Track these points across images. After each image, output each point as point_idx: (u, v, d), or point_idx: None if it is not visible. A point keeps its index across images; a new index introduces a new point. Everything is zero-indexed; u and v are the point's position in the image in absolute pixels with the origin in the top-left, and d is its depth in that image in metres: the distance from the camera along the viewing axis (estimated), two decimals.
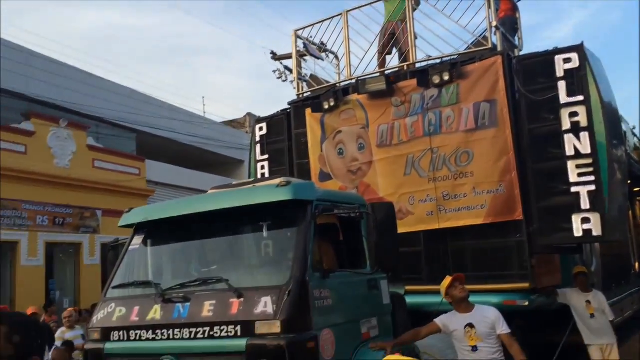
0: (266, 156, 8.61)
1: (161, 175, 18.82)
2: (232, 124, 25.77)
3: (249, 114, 25.72)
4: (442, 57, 7.31)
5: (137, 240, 5.12)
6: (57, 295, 14.16)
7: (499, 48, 6.83)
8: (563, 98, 6.16)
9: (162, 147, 20.12)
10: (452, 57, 7.14)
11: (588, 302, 6.54)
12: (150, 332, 4.26)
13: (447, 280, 4.68)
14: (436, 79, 6.84)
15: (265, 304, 3.91)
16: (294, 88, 8.90)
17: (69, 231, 14.53)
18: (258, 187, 4.75)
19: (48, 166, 14.14)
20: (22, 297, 12.63)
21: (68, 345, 7.24)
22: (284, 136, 8.44)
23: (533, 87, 6.37)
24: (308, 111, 8.12)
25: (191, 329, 4.09)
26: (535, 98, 6.32)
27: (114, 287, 4.83)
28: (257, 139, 8.72)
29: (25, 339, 1.52)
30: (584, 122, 6.03)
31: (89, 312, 9.41)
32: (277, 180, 4.70)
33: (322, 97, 7.84)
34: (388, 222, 4.54)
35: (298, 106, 8.35)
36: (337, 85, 8.29)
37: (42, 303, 11.72)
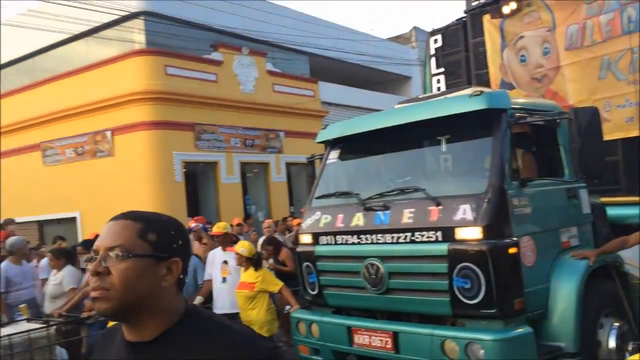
0: (442, 69, 8.44)
1: (333, 95, 19.43)
2: (398, 39, 25.33)
3: (415, 28, 25.04)
4: None
5: (334, 154, 5.51)
6: (253, 209, 15.79)
7: None
8: None
9: (331, 68, 20.62)
10: None
11: None
12: (355, 236, 4.67)
13: None
14: None
15: (465, 211, 4.06)
16: None
17: (257, 151, 15.91)
18: (451, 98, 4.77)
19: (235, 92, 15.39)
20: (225, 211, 14.33)
21: None
22: (460, 47, 8.18)
23: None
24: (486, 18, 7.75)
25: (393, 234, 4.41)
26: None
27: (317, 197, 5.32)
28: (432, 51, 8.55)
29: (162, 237, 1.38)
30: None
31: (284, 223, 10.48)
32: (469, 90, 4.69)
33: (501, 2, 7.41)
34: (593, 127, 4.34)
35: (475, 14, 7.97)
36: None
37: (242, 216, 13.25)
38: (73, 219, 14.43)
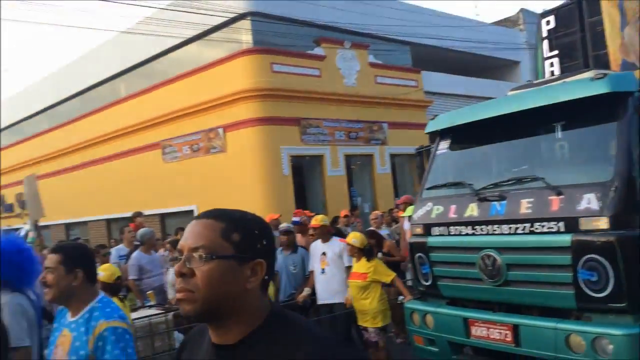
0: (555, 52, 8.01)
1: (437, 84, 19.05)
2: (504, 23, 24.27)
3: (522, 10, 23.88)
4: None
5: (444, 145, 5.45)
6: (359, 201, 15.94)
7: None
8: None
9: (434, 56, 20.19)
10: None
11: None
12: (470, 227, 4.61)
13: None
14: None
15: (589, 201, 3.87)
16: None
17: (361, 144, 16.02)
18: (571, 82, 4.55)
19: (338, 86, 15.58)
20: (331, 203, 14.61)
21: None
22: (575, 27, 7.73)
23: None
24: None
25: (510, 225, 4.30)
26: None
27: (428, 188, 5.29)
28: (544, 34, 8.13)
29: (246, 238, 1.32)
30: None
31: (390, 215, 10.49)
32: (589, 73, 4.46)
33: None
34: None
35: None
36: None
37: (348, 207, 13.43)
38: (190, 212, 15.35)
